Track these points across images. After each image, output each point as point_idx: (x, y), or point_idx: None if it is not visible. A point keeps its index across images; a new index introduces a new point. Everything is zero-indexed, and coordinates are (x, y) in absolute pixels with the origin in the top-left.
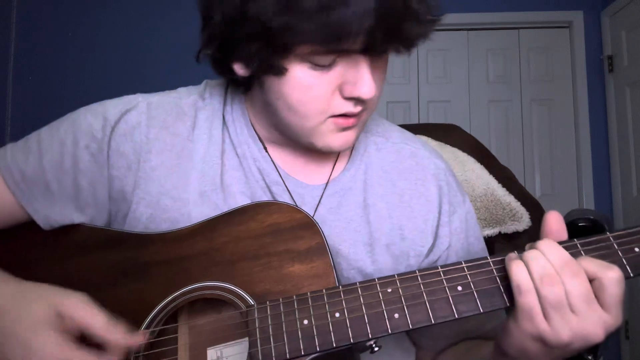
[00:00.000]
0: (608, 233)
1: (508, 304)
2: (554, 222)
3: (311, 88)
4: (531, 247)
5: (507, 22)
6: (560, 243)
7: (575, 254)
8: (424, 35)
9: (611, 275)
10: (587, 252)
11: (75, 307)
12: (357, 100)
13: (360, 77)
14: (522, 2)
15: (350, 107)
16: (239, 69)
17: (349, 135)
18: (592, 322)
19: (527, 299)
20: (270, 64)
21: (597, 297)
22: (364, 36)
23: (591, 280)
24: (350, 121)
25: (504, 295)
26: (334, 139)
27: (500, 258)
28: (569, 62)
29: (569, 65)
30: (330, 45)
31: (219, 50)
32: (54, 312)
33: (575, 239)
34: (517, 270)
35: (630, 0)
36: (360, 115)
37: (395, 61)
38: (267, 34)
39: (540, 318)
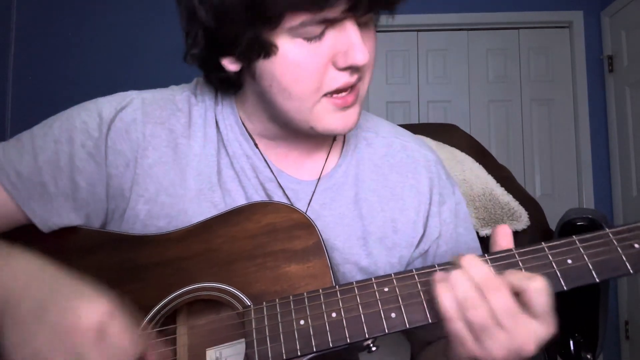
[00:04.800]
0: (607, 229)
1: None
2: (501, 237)
3: (303, 63)
4: (455, 262)
5: (507, 22)
6: (532, 246)
7: (543, 257)
8: None
9: (534, 286)
10: (586, 249)
11: (121, 328)
12: (353, 69)
13: (352, 44)
14: (522, 2)
15: (346, 77)
16: (229, 64)
17: (350, 115)
18: (522, 336)
19: (455, 325)
20: (259, 43)
21: (526, 309)
22: None
23: (518, 294)
24: (348, 99)
25: None
26: (334, 121)
27: (496, 256)
28: (569, 62)
29: (569, 65)
30: (316, 9)
31: (207, 47)
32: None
33: (574, 236)
34: (443, 297)
35: (630, 0)
36: (357, 89)
37: (395, 61)
38: (252, 9)
39: (471, 342)
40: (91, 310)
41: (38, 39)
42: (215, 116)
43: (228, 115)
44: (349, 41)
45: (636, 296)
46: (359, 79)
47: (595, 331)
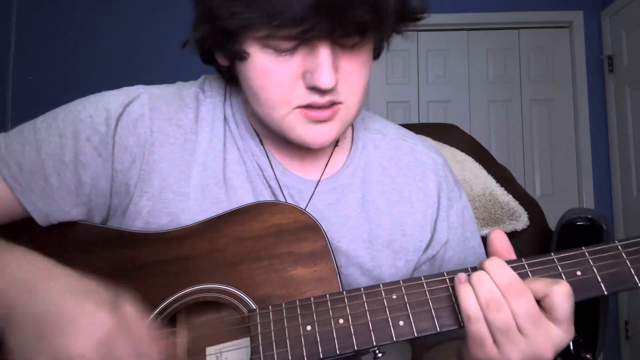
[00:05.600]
0: (617, 242)
1: None
2: (499, 242)
3: (271, 73)
4: (480, 266)
5: (507, 22)
6: (539, 257)
7: (553, 268)
8: (380, 24)
9: (559, 290)
10: (595, 261)
11: (130, 339)
12: (322, 91)
13: (319, 65)
14: (522, 2)
15: (315, 98)
16: (219, 58)
17: (325, 131)
18: (540, 342)
19: (476, 327)
20: (226, 49)
21: (548, 314)
22: (307, 20)
23: (541, 299)
24: (321, 114)
25: None
26: (306, 132)
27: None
28: (569, 62)
29: (569, 65)
30: (276, 30)
31: (198, 40)
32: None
33: (583, 247)
34: (465, 297)
35: (631, 0)
36: (336, 110)
37: (395, 61)
38: (214, 19)
39: (490, 344)
40: (87, 337)
41: (38, 39)
42: (224, 112)
43: (237, 111)
44: (317, 62)
45: (636, 296)
46: (338, 102)
47: (595, 331)
